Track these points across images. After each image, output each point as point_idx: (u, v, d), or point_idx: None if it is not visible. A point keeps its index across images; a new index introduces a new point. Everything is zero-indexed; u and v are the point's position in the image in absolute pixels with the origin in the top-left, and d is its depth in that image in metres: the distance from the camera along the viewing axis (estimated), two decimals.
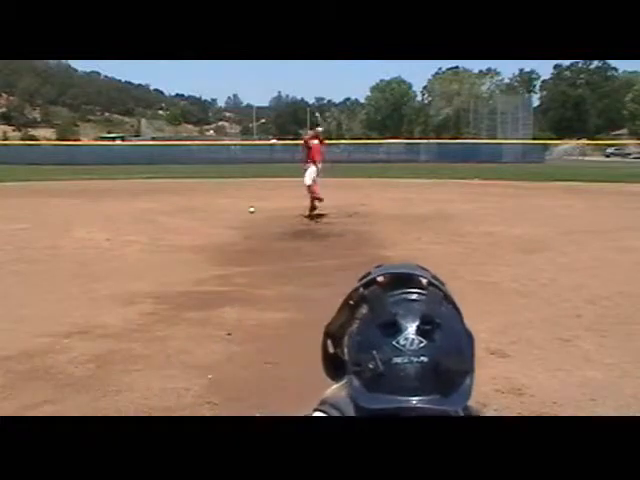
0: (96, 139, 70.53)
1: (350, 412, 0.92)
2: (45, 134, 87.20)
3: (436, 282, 0.94)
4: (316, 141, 11.71)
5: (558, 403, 3.28)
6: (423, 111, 76.74)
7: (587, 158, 45.57)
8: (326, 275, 6.34)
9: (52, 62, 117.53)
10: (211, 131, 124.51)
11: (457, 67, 74.33)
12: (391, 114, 77.54)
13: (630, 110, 66.10)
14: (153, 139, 59.97)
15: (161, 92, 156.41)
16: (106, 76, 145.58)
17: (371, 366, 0.86)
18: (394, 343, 0.86)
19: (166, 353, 4.08)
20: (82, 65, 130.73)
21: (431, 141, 48.39)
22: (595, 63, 78.27)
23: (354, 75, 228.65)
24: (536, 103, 69.44)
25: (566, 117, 71.44)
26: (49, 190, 17.44)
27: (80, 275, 6.50)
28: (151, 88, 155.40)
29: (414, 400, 0.85)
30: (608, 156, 52.49)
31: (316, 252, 7.89)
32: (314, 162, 11.50)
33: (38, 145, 51.90)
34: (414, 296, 0.90)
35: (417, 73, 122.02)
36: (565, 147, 52.17)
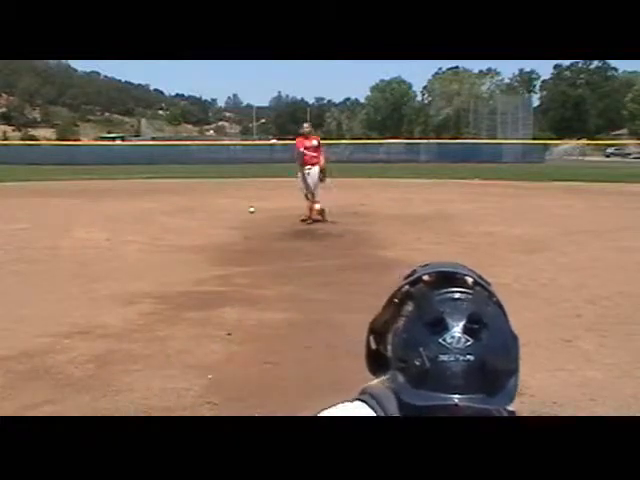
0: (96, 139, 70.51)
1: (391, 405, 0.92)
2: (45, 134, 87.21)
3: (482, 282, 0.94)
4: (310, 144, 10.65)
5: (558, 403, 3.28)
6: (423, 111, 76.78)
7: (587, 158, 45.52)
8: (326, 275, 6.33)
9: (52, 62, 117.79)
10: (211, 131, 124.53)
11: (457, 67, 74.40)
12: (391, 114, 77.56)
13: (630, 110, 66.07)
14: (153, 139, 59.93)
15: (161, 92, 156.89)
16: (106, 76, 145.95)
17: (417, 363, 0.86)
18: (440, 341, 0.85)
19: (166, 353, 4.08)
20: (82, 65, 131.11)
21: (431, 141, 48.31)
22: (595, 63, 78.38)
23: (354, 75, 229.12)
24: (536, 103, 69.61)
25: (566, 117, 71.44)
26: (49, 190, 17.41)
27: (80, 275, 6.50)
28: (151, 88, 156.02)
29: (459, 398, 0.85)
30: (608, 156, 52.46)
31: (316, 252, 7.88)
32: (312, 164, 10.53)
33: (38, 145, 51.80)
34: (461, 295, 0.90)
35: (417, 73, 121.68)
36: (565, 147, 52.13)
